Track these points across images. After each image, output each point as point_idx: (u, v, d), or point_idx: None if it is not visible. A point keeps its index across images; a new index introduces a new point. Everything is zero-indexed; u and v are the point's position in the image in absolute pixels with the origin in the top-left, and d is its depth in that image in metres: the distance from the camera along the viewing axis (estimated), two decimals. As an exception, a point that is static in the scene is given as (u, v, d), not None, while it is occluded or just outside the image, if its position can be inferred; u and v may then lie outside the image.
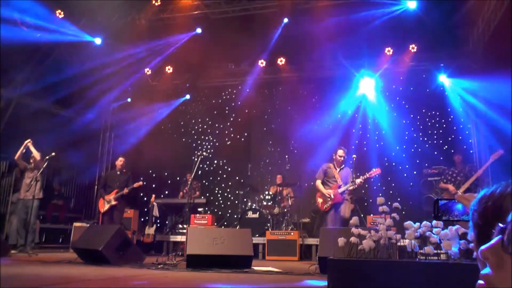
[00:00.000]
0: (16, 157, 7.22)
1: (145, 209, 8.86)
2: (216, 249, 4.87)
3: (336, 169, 6.48)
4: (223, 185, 10.63)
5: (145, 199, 9.79)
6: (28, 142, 7.17)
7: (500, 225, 0.62)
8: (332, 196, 6.32)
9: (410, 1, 7.88)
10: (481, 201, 0.69)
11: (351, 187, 6.35)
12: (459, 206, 0.97)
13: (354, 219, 3.44)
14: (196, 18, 8.85)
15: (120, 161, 7.81)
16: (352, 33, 8.15)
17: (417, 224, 3.05)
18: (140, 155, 10.92)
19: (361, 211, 8.21)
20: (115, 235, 5.18)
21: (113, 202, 7.49)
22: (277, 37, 9.19)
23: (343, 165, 6.52)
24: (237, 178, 10.28)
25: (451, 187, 6.40)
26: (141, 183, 7.65)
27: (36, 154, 7.14)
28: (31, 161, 7.26)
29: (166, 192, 10.26)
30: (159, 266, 4.79)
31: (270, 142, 10.58)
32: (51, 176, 9.25)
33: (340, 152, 6.53)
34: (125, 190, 7.50)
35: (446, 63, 9.30)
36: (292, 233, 7.36)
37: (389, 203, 3.35)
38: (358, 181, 6.31)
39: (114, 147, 10.94)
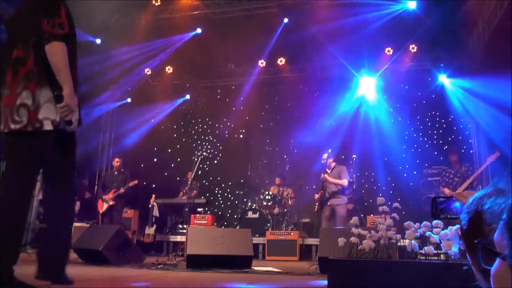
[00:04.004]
0: None
1: (145, 209, 8.86)
2: (216, 249, 4.87)
3: (328, 173, 6.57)
4: (223, 185, 10.63)
5: (145, 199, 9.79)
6: None
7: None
8: (316, 205, 6.56)
9: (410, 1, 7.87)
10: (469, 206, 0.70)
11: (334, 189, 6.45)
12: (457, 204, 0.97)
13: (354, 219, 3.44)
14: (196, 18, 8.84)
15: (116, 162, 7.82)
16: (352, 33, 8.15)
17: (417, 224, 3.05)
18: (140, 155, 10.94)
19: (361, 211, 8.21)
20: (115, 235, 5.18)
21: (111, 202, 7.51)
22: (277, 37, 9.19)
23: (334, 166, 6.60)
24: (237, 178, 10.28)
25: (446, 190, 6.39)
26: (136, 181, 7.67)
27: None
28: None
29: (166, 192, 10.26)
30: (159, 266, 4.79)
31: (270, 142, 10.59)
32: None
33: (324, 156, 6.69)
34: (121, 190, 7.52)
35: (446, 63, 9.29)
36: (292, 233, 7.36)
37: (389, 203, 3.35)
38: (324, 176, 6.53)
39: (114, 147, 10.95)
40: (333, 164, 6.66)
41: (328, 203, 6.45)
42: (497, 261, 0.61)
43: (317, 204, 6.70)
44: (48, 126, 2.42)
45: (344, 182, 6.49)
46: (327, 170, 6.63)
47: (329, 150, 6.71)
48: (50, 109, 2.44)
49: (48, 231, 2.75)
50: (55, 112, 2.45)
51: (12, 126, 2.41)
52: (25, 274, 2.73)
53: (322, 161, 6.72)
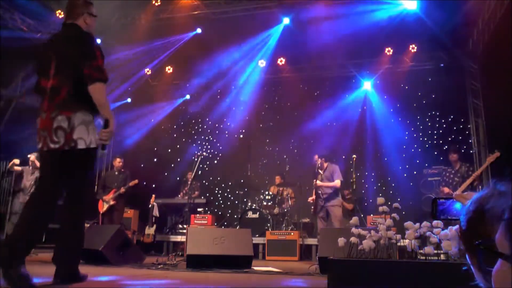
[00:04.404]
0: (9, 165, 7.28)
1: (145, 209, 8.86)
2: (216, 249, 4.87)
3: (320, 174, 6.56)
4: (223, 185, 10.63)
5: (145, 199, 9.79)
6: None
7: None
8: (312, 208, 6.55)
9: (410, 1, 7.88)
10: (468, 207, 0.70)
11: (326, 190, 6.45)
12: (458, 205, 0.98)
13: (354, 219, 3.44)
14: (196, 18, 8.85)
15: (118, 162, 7.82)
16: (352, 33, 8.15)
17: (417, 224, 3.05)
18: (140, 155, 10.94)
19: (361, 211, 8.21)
20: (115, 235, 5.18)
21: (112, 202, 7.51)
22: (277, 37, 9.19)
23: (326, 166, 6.59)
24: (237, 178, 10.28)
25: (446, 189, 6.39)
26: (136, 181, 7.68)
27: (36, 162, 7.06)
28: (30, 164, 7.26)
29: (166, 192, 10.26)
30: (159, 266, 4.79)
31: (270, 142, 10.59)
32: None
33: (315, 157, 6.69)
34: (122, 190, 7.52)
35: (446, 63, 9.29)
36: (292, 233, 7.36)
37: (389, 203, 3.35)
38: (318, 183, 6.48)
39: (114, 147, 10.94)
40: (325, 165, 6.62)
41: (322, 204, 6.45)
42: (499, 261, 0.62)
43: (312, 207, 6.70)
44: (81, 145, 2.88)
45: (337, 183, 6.41)
46: (320, 171, 6.60)
47: (318, 160, 6.70)
48: (83, 130, 2.89)
49: (62, 237, 3.05)
50: (87, 133, 2.91)
51: (51, 146, 2.86)
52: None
53: (315, 162, 6.70)
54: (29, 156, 7.28)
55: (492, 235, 0.64)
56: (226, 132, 10.93)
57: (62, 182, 2.97)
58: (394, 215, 3.24)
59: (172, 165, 10.80)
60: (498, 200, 0.67)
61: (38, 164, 7.11)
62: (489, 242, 0.64)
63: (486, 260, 0.65)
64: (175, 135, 11.31)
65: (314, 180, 6.53)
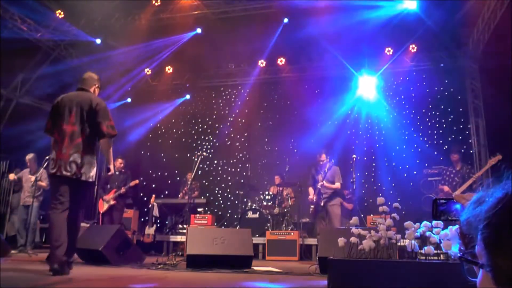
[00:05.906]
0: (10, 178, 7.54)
1: (145, 209, 8.86)
2: (216, 249, 4.87)
3: (320, 173, 6.56)
4: (223, 185, 10.62)
5: (145, 199, 9.79)
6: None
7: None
8: (313, 205, 6.54)
9: (410, 1, 7.87)
10: (468, 208, 0.70)
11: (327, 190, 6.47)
12: (458, 206, 0.97)
13: (354, 219, 3.44)
14: (196, 18, 8.85)
15: (119, 163, 7.82)
16: (352, 33, 8.14)
17: (417, 224, 3.05)
18: (140, 155, 10.94)
19: (361, 211, 8.20)
20: (115, 235, 5.18)
21: (112, 202, 7.50)
22: (277, 37, 9.18)
23: (329, 167, 6.60)
24: (237, 178, 10.28)
25: (446, 188, 6.39)
26: (137, 181, 7.68)
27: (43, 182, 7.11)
28: (28, 164, 7.28)
29: (166, 192, 10.26)
30: (159, 266, 4.79)
31: (269, 141, 10.58)
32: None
33: (322, 156, 6.69)
34: (122, 189, 7.52)
35: (446, 63, 9.29)
36: (292, 233, 7.35)
37: (389, 203, 3.35)
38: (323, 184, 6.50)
39: (114, 147, 10.93)
40: (328, 165, 6.68)
41: (322, 204, 6.47)
42: (480, 271, 0.62)
43: (312, 206, 6.71)
44: (84, 178, 3.89)
45: (338, 186, 6.58)
46: (321, 171, 6.63)
47: (325, 158, 6.73)
48: (88, 168, 3.93)
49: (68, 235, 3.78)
50: (90, 170, 3.95)
51: (64, 173, 3.85)
52: (25, 274, 2.74)
53: (320, 162, 6.72)
54: (26, 157, 7.29)
55: (470, 245, 0.64)
56: (226, 132, 10.92)
57: (66, 198, 3.88)
58: (394, 215, 3.24)
59: (172, 165, 10.80)
60: (474, 210, 0.67)
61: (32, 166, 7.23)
62: (469, 252, 0.64)
63: (471, 271, 0.65)
64: (175, 135, 11.31)
65: (320, 178, 6.51)
